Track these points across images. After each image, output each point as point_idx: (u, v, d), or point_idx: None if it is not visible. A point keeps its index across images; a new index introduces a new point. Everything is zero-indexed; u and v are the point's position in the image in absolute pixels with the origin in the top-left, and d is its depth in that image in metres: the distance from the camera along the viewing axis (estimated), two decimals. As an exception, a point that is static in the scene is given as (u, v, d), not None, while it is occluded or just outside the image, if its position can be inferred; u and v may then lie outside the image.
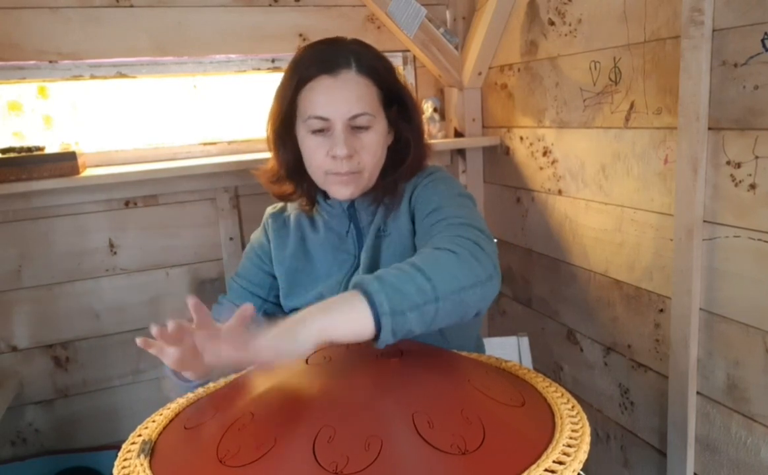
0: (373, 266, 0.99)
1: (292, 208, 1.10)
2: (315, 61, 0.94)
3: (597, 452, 1.53)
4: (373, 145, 0.96)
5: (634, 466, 1.43)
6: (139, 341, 0.75)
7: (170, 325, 0.72)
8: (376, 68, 0.96)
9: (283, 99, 0.97)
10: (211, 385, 0.86)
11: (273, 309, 1.09)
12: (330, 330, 0.68)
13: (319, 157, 0.95)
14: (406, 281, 0.72)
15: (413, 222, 0.98)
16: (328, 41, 0.99)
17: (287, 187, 1.04)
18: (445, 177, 1.02)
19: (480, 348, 1.12)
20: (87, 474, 1.63)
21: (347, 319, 0.69)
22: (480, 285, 0.77)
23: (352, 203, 1.02)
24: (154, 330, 0.74)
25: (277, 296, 1.08)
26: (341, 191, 0.97)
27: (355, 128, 0.94)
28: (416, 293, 0.71)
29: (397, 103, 1.00)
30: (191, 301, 0.73)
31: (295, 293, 1.04)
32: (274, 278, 1.08)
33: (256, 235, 1.13)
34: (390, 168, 1.01)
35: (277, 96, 1.00)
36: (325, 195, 1.03)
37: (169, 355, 0.75)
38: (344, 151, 0.92)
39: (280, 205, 1.13)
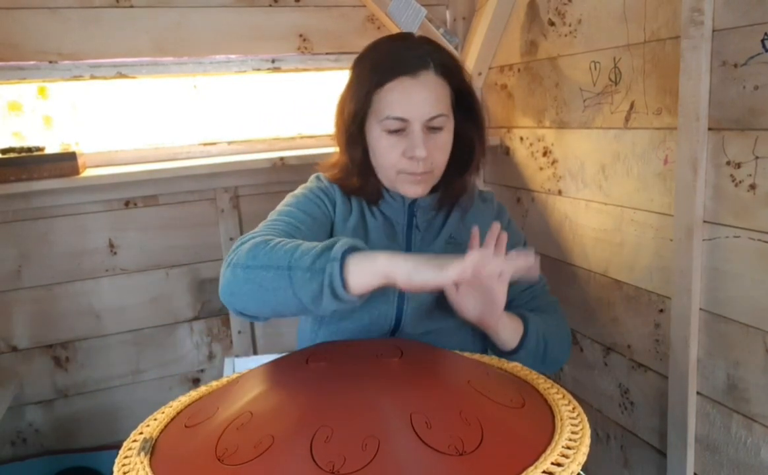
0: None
1: None
2: (394, 61, 0.93)
3: (597, 452, 1.53)
4: (446, 145, 0.97)
5: (634, 466, 1.42)
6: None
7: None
8: (450, 68, 0.96)
9: (357, 98, 0.96)
10: (213, 383, 0.86)
11: None
12: (501, 325, 0.93)
13: (393, 156, 0.95)
14: (541, 343, 0.99)
15: None
16: (400, 39, 0.98)
17: (354, 182, 1.03)
18: (508, 213, 1.14)
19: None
20: (87, 474, 1.63)
21: (511, 329, 0.94)
22: (564, 354, 1.08)
23: (414, 201, 1.02)
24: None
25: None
26: (413, 189, 0.98)
27: (430, 129, 0.94)
28: (540, 352, 0.99)
29: (464, 103, 1.00)
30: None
31: None
32: (331, 224, 1.03)
33: (313, 187, 1.04)
34: (453, 167, 1.02)
35: (351, 94, 0.98)
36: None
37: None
38: (424, 153, 0.93)
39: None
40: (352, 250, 0.76)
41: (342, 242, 0.77)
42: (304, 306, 0.77)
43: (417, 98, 0.92)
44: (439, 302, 0.98)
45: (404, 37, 0.98)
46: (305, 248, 0.78)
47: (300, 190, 1.04)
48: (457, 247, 1.02)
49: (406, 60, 0.93)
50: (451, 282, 0.77)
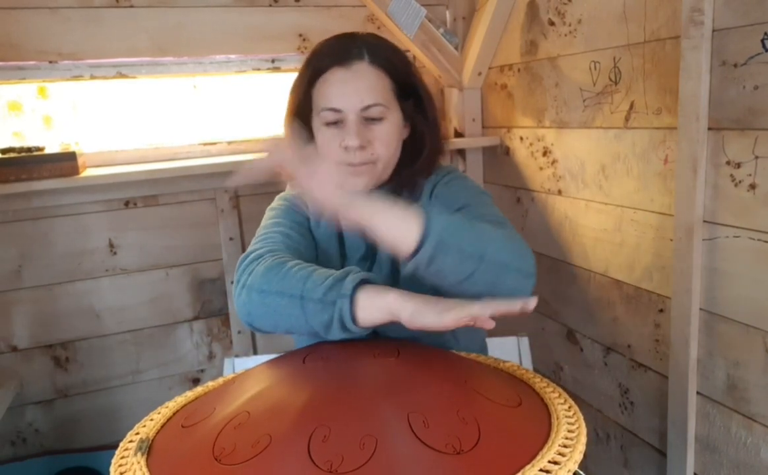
0: (394, 263, 0.98)
1: None
2: (328, 53, 0.95)
3: (597, 452, 1.53)
4: (386, 136, 0.95)
5: (634, 466, 1.42)
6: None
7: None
8: (389, 60, 0.96)
9: (298, 93, 0.98)
10: (209, 383, 0.86)
11: None
12: (378, 219, 0.74)
13: (332, 149, 0.95)
14: (465, 228, 0.77)
15: None
16: (342, 35, 0.99)
17: None
18: (463, 176, 1.04)
19: (483, 350, 1.13)
20: (87, 474, 1.63)
21: (398, 218, 0.74)
22: (522, 275, 0.81)
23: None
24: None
25: None
26: (353, 182, 0.96)
27: (368, 119, 0.94)
28: (468, 243, 0.75)
29: (412, 97, 1.00)
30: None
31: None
32: (308, 224, 1.03)
33: (287, 196, 1.06)
34: (406, 162, 1.01)
35: (293, 91, 1.00)
36: None
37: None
38: (356, 142, 0.92)
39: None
40: (362, 283, 0.78)
41: (352, 277, 0.78)
42: (316, 332, 0.81)
43: (350, 88, 0.93)
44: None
45: (345, 34, 0.99)
46: (317, 277, 0.80)
47: (276, 202, 1.06)
48: None
49: (339, 52, 0.94)
50: (449, 328, 0.75)
